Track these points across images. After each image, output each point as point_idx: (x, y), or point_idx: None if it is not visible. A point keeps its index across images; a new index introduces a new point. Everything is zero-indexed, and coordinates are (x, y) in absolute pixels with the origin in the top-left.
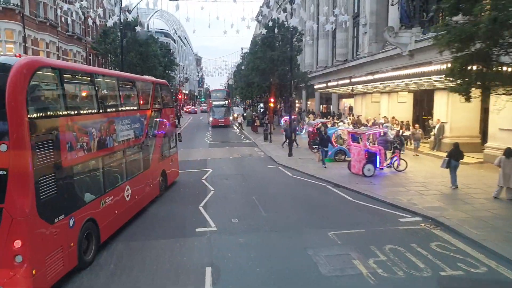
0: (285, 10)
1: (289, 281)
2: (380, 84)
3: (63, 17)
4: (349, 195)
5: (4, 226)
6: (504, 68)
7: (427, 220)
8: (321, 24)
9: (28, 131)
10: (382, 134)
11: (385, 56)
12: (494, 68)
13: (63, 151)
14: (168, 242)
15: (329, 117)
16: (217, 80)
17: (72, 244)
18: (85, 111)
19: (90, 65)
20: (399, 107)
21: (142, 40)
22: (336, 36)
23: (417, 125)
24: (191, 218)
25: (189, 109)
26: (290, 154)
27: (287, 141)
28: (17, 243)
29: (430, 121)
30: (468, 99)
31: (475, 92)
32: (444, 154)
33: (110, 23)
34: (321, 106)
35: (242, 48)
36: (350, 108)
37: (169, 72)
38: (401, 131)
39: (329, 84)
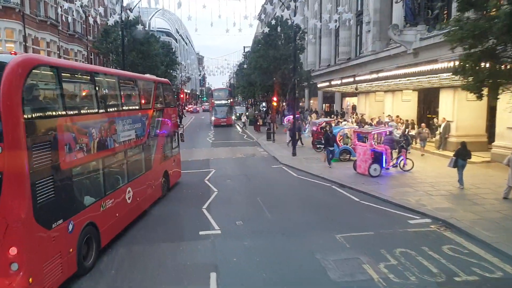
0: (288, 8)
1: (297, 287)
2: (385, 82)
3: (63, 16)
4: (355, 195)
5: None
6: None
7: (437, 222)
8: (324, 22)
9: (24, 132)
10: (388, 133)
11: (389, 55)
12: (509, 66)
13: (61, 152)
14: (171, 246)
15: (333, 116)
16: (219, 79)
17: (71, 250)
18: (84, 111)
19: (92, 64)
20: (404, 106)
21: (143, 39)
22: (339, 35)
23: (423, 124)
24: (194, 220)
25: (191, 109)
26: (294, 154)
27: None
28: (13, 250)
29: (435, 120)
30: (480, 97)
31: (485, 90)
32: (450, 153)
33: (111, 21)
34: (324, 105)
35: (244, 47)
36: (354, 107)
37: (171, 71)
38: (407, 130)
39: (333, 82)
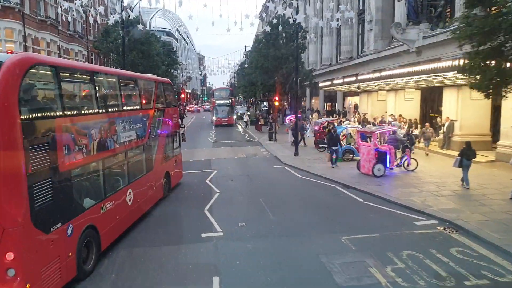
0: (290, 6)
1: None
2: (387, 81)
3: (64, 16)
4: (359, 196)
5: None
6: None
7: (444, 223)
8: (326, 21)
9: (20, 133)
10: (391, 132)
11: (392, 53)
12: None
13: (59, 154)
14: (172, 248)
15: (335, 115)
16: (220, 79)
17: (70, 254)
18: (83, 112)
19: (92, 64)
20: (406, 105)
21: (144, 39)
22: (341, 33)
23: (427, 124)
24: (196, 222)
25: (192, 108)
26: (296, 154)
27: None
28: (9, 256)
29: (438, 119)
30: (488, 95)
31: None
32: (454, 153)
33: (111, 21)
34: (325, 104)
35: (245, 46)
36: (356, 106)
37: (172, 71)
38: (410, 129)
39: (334, 81)
